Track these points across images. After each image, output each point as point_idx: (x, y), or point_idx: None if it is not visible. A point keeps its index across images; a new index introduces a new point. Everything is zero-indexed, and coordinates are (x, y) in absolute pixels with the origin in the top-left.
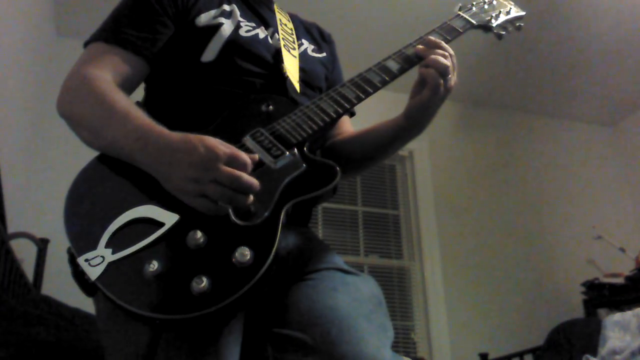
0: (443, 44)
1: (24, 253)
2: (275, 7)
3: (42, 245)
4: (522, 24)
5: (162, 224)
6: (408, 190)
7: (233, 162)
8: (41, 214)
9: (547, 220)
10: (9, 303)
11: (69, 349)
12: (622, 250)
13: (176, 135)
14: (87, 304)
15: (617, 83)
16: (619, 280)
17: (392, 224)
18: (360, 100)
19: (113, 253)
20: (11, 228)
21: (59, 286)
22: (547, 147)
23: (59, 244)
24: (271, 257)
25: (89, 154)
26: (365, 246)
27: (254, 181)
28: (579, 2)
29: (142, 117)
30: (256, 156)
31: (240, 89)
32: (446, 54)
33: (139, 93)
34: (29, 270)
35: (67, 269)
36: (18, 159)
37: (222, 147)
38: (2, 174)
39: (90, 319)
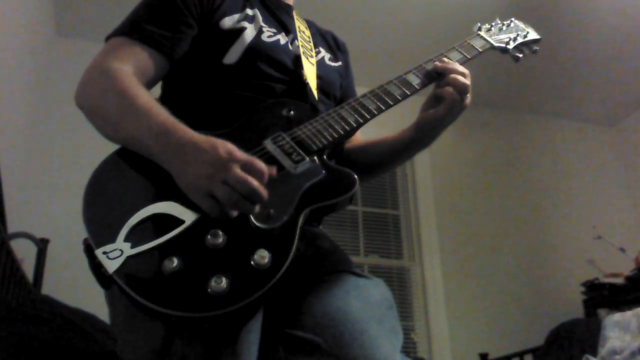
0: (458, 65)
1: (24, 253)
2: (294, 13)
3: (42, 245)
4: (538, 48)
5: (181, 221)
6: (408, 190)
7: (249, 167)
8: (41, 214)
9: (547, 220)
10: (9, 303)
11: (69, 349)
12: (622, 250)
13: (200, 135)
14: (87, 304)
15: (617, 83)
16: (619, 280)
17: (392, 224)
18: (380, 111)
19: (132, 247)
20: (11, 228)
21: (59, 286)
22: (547, 147)
23: (59, 244)
24: (289, 260)
25: (89, 155)
26: (365, 246)
27: (263, 190)
28: (579, 2)
29: (165, 114)
30: (274, 170)
31: (261, 93)
32: (465, 72)
33: (154, 92)
34: (29, 270)
35: (67, 269)
36: (18, 159)
37: (243, 153)
38: (2, 174)
39: (90, 319)
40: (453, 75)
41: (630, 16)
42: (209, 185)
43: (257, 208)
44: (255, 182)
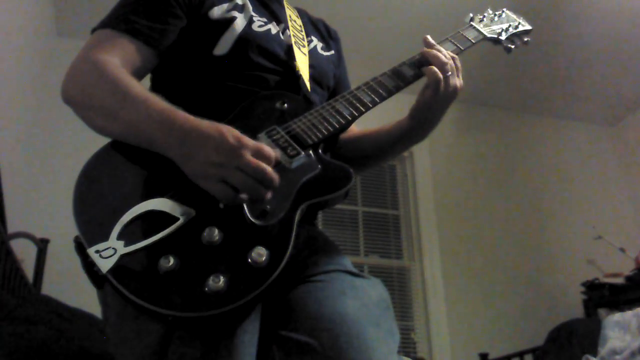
0: (441, 47)
1: (24, 253)
2: (284, 2)
3: (42, 245)
4: (529, 39)
5: (176, 219)
6: (408, 190)
7: (259, 154)
8: (41, 214)
9: (547, 220)
10: (9, 303)
11: (69, 349)
12: (622, 250)
13: (203, 121)
14: (87, 304)
15: (617, 83)
16: (619, 280)
17: (392, 224)
18: (375, 104)
19: (125, 245)
20: (11, 228)
21: (59, 286)
22: (547, 147)
23: (59, 244)
24: (286, 258)
25: (89, 154)
26: (365, 246)
27: (275, 175)
28: (579, 2)
29: (163, 102)
30: (278, 154)
31: (253, 85)
32: (446, 53)
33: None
34: (29, 270)
35: (67, 269)
36: (18, 159)
37: (250, 139)
38: (2, 174)
39: (90, 319)
40: (434, 54)
41: (630, 16)
42: (223, 172)
43: (269, 194)
44: (269, 169)
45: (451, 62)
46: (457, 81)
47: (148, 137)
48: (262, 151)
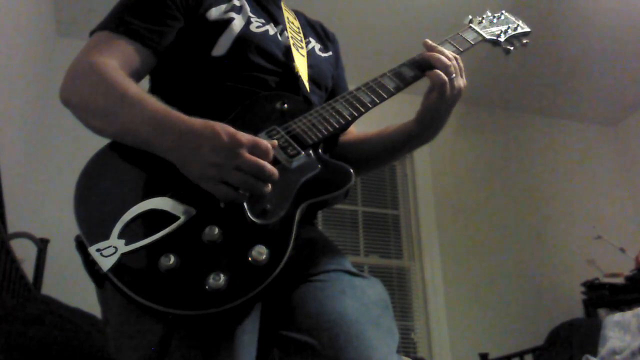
0: (444, 50)
1: (24, 253)
2: (282, 4)
3: (42, 245)
4: (528, 41)
5: (177, 217)
6: (408, 190)
7: (255, 149)
8: (41, 214)
9: (547, 221)
10: (8, 303)
11: (69, 349)
12: (622, 250)
13: (197, 121)
14: (87, 304)
15: (617, 83)
16: (619, 280)
17: (392, 224)
18: (375, 104)
19: (126, 244)
20: (11, 228)
21: (59, 286)
22: (547, 147)
23: (59, 244)
24: (286, 257)
25: (89, 154)
26: (365, 246)
27: (274, 170)
28: (579, 2)
29: (158, 103)
30: (275, 142)
31: (252, 85)
32: (448, 55)
33: (142, 86)
34: (29, 270)
35: (67, 269)
36: (18, 159)
37: (244, 134)
38: (2, 174)
39: (90, 319)
40: (437, 57)
41: (630, 16)
42: (221, 173)
43: (269, 187)
44: (267, 164)
45: (454, 62)
46: (462, 82)
47: (144, 138)
48: (259, 145)
